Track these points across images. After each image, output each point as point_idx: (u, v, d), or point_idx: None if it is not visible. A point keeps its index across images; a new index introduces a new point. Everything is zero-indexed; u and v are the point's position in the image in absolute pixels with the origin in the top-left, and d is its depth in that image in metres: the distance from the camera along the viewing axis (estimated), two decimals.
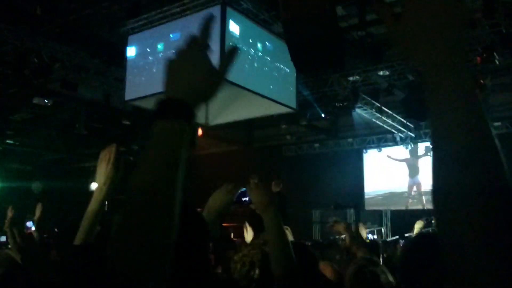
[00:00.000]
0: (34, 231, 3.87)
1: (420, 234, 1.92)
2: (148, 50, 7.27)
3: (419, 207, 13.22)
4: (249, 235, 3.66)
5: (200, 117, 8.49)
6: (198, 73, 0.94)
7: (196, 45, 0.98)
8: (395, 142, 13.87)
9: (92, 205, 2.01)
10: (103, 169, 1.99)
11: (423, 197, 13.49)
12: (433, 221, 7.06)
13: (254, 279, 1.94)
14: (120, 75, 8.54)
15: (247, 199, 2.10)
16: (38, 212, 3.83)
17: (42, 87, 9.54)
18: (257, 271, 1.93)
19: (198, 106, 0.94)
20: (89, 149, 15.80)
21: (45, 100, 9.84)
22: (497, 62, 8.37)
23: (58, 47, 8.31)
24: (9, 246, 2.88)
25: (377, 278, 2.38)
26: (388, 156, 14.12)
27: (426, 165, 13.52)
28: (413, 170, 13.77)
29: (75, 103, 11.11)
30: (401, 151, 13.89)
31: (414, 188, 13.71)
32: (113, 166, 1.99)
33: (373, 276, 2.44)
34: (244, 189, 2.10)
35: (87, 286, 1.23)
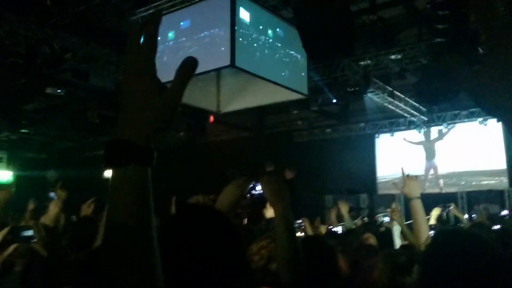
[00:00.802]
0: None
1: (447, 232, 1.93)
2: (159, 38, 7.24)
3: (436, 190, 13.17)
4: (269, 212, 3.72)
5: (212, 104, 8.50)
6: (147, 105, 0.84)
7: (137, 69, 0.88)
8: (407, 126, 13.78)
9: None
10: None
11: (440, 181, 13.43)
12: (450, 208, 7.04)
13: (270, 273, 1.95)
14: None
15: (256, 192, 2.12)
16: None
17: (53, 77, 9.61)
18: (274, 265, 1.94)
19: (154, 139, 0.84)
20: (102, 138, 15.94)
21: (58, 90, 9.92)
22: None
23: (69, 37, 8.34)
24: (35, 240, 2.93)
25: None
26: (404, 139, 14.04)
27: (442, 148, 13.45)
28: (430, 153, 13.68)
29: (87, 92, 11.17)
30: (417, 135, 13.80)
31: (431, 172, 13.63)
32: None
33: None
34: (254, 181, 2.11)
35: None
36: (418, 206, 2.66)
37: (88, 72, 9.28)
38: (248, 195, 2.08)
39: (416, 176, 2.85)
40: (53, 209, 3.74)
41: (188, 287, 1.14)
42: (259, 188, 2.04)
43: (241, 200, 2.02)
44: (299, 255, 1.79)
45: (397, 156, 14.02)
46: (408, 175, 2.80)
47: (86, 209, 4.28)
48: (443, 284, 1.47)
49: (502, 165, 12.38)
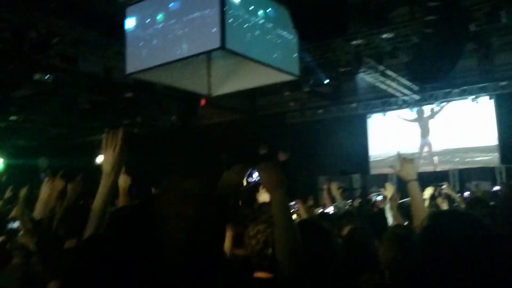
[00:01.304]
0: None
1: (442, 213, 1.95)
2: (148, 21, 7.13)
3: (430, 168, 13.25)
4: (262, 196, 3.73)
5: (203, 87, 8.41)
6: None
7: None
8: (399, 106, 13.79)
9: (102, 192, 2.00)
10: (109, 155, 1.97)
11: (435, 158, 13.51)
12: (443, 187, 7.08)
13: (266, 257, 1.95)
14: (120, 48, 8.43)
15: (252, 179, 2.11)
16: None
17: (41, 62, 9.45)
18: (270, 250, 1.94)
19: None
20: (93, 123, 15.82)
21: (46, 76, 9.77)
22: (503, 21, 8.18)
23: (56, 22, 8.18)
24: (21, 233, 2.89)
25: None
26: (399, 116, 14.06)
27: (436, 126, 13.50)
28: (424, 131, 13.74)
29: (76, 77, 11.03)
30: (410, 113, 13.83)
31: (426, 149, 13.71)
32: (120, 151, 1.97)
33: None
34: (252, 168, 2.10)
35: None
36: (415, 188, 2.68)
37: (76, 57, 9.14)
38: (245, 182, 2.06)
39: (412, 159, 2.85)
40: (45, 190, 3.67)
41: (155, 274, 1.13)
42: (255, 175, 2.03)
43: (239, 187, 2.01)
44: (298, 241, 1.78)
45: (389, 135, 14.05)
46: (404, 158, 2.81)
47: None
48: (439, 265, 1.48)
49: (494, 141, 12.46)
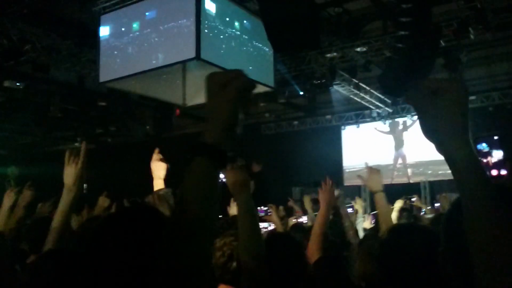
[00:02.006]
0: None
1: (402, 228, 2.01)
2: (123, 29, 7.09)
3: (404, 179, 13.43)
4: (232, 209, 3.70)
5: (177, 97, 8.38)
6: (229, 117, 1.06)
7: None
8: (373, 118, 13.99)
9: (62, 205, 1.98)
10: (72, 169, 1.97)
11: (408, 170, 13.71)
12: (413, 199, 7.19)
13: (229, 271, 1.94)
14: (93, 56, 8.34)
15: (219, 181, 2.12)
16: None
17: (12, 69, 9.27)
18: (234, 264, 1.93)
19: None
20: (65, 132, 15.54)
21: (17, 83, 9.58)
22: (472, 37, 8.43)
23: (28, 29, 8.05)
24: None
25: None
26: (375, 129, 14.24)
27: (409, 138, 13.73)
28: (398, 143, 13.94)
29: (48, 85, 10.85)
30: (384, 126, 14.04)
31: (399, 161, 13.91)
32: (82, 166, 1.97)
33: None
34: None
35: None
36: (381, 199, 2.73)
37: (48, 64, 8.99)
38: None
39: (379, 170, 2.90)
40: (6, 201, 3.58)
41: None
42: (222, 176, 2.04)
43: None
44: (261, 245, 1.79)
45: (362, 147, 14.22)
46: (371, 169, 2.85)
47: (42, 208, 4.17)
48: (394, 277, 1.51)
49: None
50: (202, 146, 1.04)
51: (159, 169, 2.27)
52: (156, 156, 2.40)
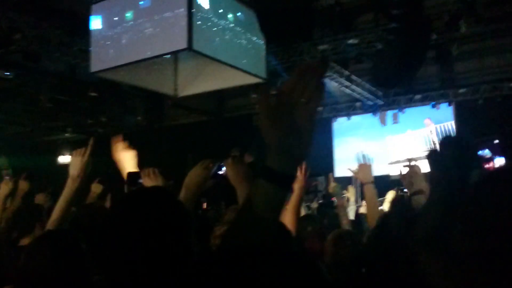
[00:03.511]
0: None
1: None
2: (116, 19, 7.03)
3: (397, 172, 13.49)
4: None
5: (169, 88, 8.37)
6: (300, 143, 1.07)
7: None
8: (363, 110, 14.05)
9: (66, 195, 2.03)
10: (78, 161, 2.03)
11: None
12: (405, 190, 7.23)
13: None
14: (85, 45, 8.28)
15: (221, 172, 2.14)
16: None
17: (3, 58, 9.18)
18: None
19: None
20: (55, 122, 15.43)
21: (7, 73, 9.49)
22: (463, 30, 8.49)
23: (18, 17, 7.97)
24: None
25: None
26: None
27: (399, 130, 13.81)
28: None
29: (39, 75, 10.76)
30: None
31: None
32: (88, 159, 2.04)
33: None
34: (219, 163, 2.14)
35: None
36: (370, 190, 2.79)
37: (39, 54, 8.91)
38: (213, 177, 2.10)
39: (369, 163, 2.96)
40: (3, 189, 3.61)
41: (130, 273, 1.14)
42: (224, 170, 2.06)
43: (207, 182, 2.03)
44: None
45: (353, 139, 14.30)
46: (363, 158, 2.91)
47: (41, 198, 4.18)
48: (381, 265, 1.55)
49: None
50: (271, 174, 1.04)
51: (127, 160, 2.24)
52: (121, 145, 2.31)
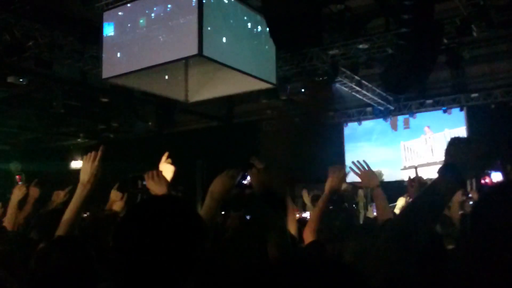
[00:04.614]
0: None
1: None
2: (127, 25, 7.09)
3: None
4: None
5: (179, 94, 8.41)
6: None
7: None
8: (374, 115, 13.99)
9: (75, 200, 2.05)
10: (88, 167, 2.05)
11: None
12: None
13: None
14: (96, 52, 8.37)
15: (244, 181, 2.16)
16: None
17: (16, 65, 9.30)
18: None
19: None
20: (67, 128, 15.58)
21: (20, 79, 9.61)
22: (474, 34, 8.42)
23: (31, 25, 8.07)
24: None
25: None
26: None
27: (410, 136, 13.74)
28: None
29: (51, 81, 10.88)
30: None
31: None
32: (98, 165, 2.06)
33: None
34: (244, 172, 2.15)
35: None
36: (378, 194, 2.79)
37: (51, 60, 9.01)
38: (237, 185, 2.12)
39: (369, 170, 2.97)
40: (16, 194, 3.63)
41: (141, 279, 1.14)
42: (248, 179, 2.08)
43: (232, 190, 2.04)
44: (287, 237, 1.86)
45: (365, 144, 14.24)
46: (360, 163, 2.93)
47: (58, 196, 4.20)
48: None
49: None
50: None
51: (166, 172, 2.30)
52: (165, 158, 2.41)
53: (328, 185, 2.94)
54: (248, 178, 2.09)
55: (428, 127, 13.40)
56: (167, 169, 2.33)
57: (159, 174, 2.14)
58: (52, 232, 2.04)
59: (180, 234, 1.19)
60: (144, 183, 2.16)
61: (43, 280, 1.65)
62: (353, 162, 3.01)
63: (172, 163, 2.41)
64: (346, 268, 1.06)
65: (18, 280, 2.01)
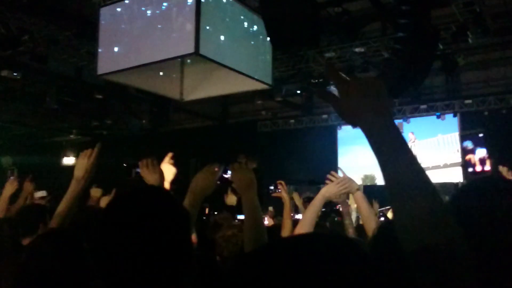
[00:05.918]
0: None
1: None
2: (126, 22, 7.07)
3: None
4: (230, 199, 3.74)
5: (175, 92, 8.39)
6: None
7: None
8: None
9: (69, 196, 2.06)
10: (83, 163, 2.06)
11: None
12: None
13: None
14: (92, 48, 8.33)
15: (226, 176, 2.15)
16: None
17: (10, 59, 9.25)
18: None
19: None
20: (60, 123, 15.51)
21: (14, 73, 9.56)
22: (470, 41, 8.48)
23: (27, 19, 8.03)
24: None
25: None
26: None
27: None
28: None
29: (46, 76, 10.83)
30: None
31: None
32: (94, 162, 2.07)
33: None
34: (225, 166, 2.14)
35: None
36: (360, 197, 2.73)
37: (46, 55, 8.97)
38: (218, 181, 2.10)
39: (344, 174, 2.87)
40: (8, 189, 3.66)
41: (127, 274, 1.13)
42: (229, 173, 2.07)
43: (214, 187, 2.03)
44: (264, 238, 1.84)
45: (358, 147, 14.28)
46: (341, 175, 2.82)
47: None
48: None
49: (457, 158, 12.82)
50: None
51: (168, 173, 2.30)
52: (168, 159, 2.42)
53: (325, 191, 2.73)
54: (229, 172, 2.08)
55: (412, 133, 13.49)
56: (168, 170, 2.32)
57: (153, 162, 2.13)
58: (35, 227, 2.03)
59: (162, 227, 1.18)
60: (138, 170, 2.16)
61: (34, 274, 1.64)
62: (327, 177, 2.84)
63: (174, 165, 2.39)
64: (349, 240, 1.02)
65: (9, 273, 2.00)
